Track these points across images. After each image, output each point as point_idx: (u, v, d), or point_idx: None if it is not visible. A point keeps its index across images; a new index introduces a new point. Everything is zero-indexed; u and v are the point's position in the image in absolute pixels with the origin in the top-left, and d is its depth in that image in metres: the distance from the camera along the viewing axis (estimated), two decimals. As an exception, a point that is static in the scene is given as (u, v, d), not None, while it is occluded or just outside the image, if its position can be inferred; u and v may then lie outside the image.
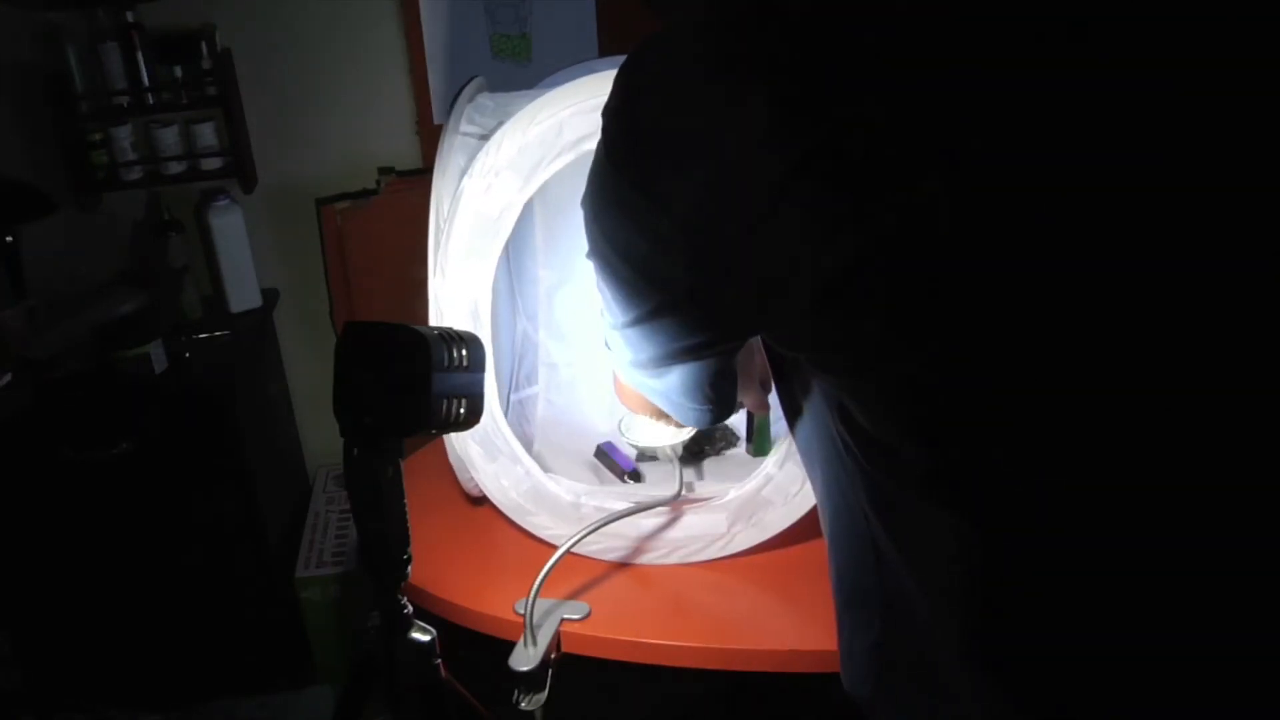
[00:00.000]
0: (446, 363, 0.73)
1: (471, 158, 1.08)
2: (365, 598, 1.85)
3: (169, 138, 1.98)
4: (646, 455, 1.31)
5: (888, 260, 0.48)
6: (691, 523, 1.17)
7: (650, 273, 0.59)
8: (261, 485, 1.89)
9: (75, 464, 1.72)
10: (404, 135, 2.14)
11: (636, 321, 0.64)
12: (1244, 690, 0.55)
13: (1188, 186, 0.48)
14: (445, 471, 1.28)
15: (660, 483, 1.27)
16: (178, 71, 1.96)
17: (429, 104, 2.11)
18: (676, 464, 1.20)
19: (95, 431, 1.73)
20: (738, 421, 1.34)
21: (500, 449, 1.14)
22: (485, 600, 1.11)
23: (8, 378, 1.70)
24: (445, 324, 1.10)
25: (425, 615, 0.82)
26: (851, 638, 0.70)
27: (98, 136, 1.94)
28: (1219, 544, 0.53)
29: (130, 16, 1.90)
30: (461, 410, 0.76)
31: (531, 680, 0.98)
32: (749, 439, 1.32)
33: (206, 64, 1.96)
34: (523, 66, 2.11)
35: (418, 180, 2.16)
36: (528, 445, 1.19)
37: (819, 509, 0.74)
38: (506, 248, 1.11)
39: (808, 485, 1.07)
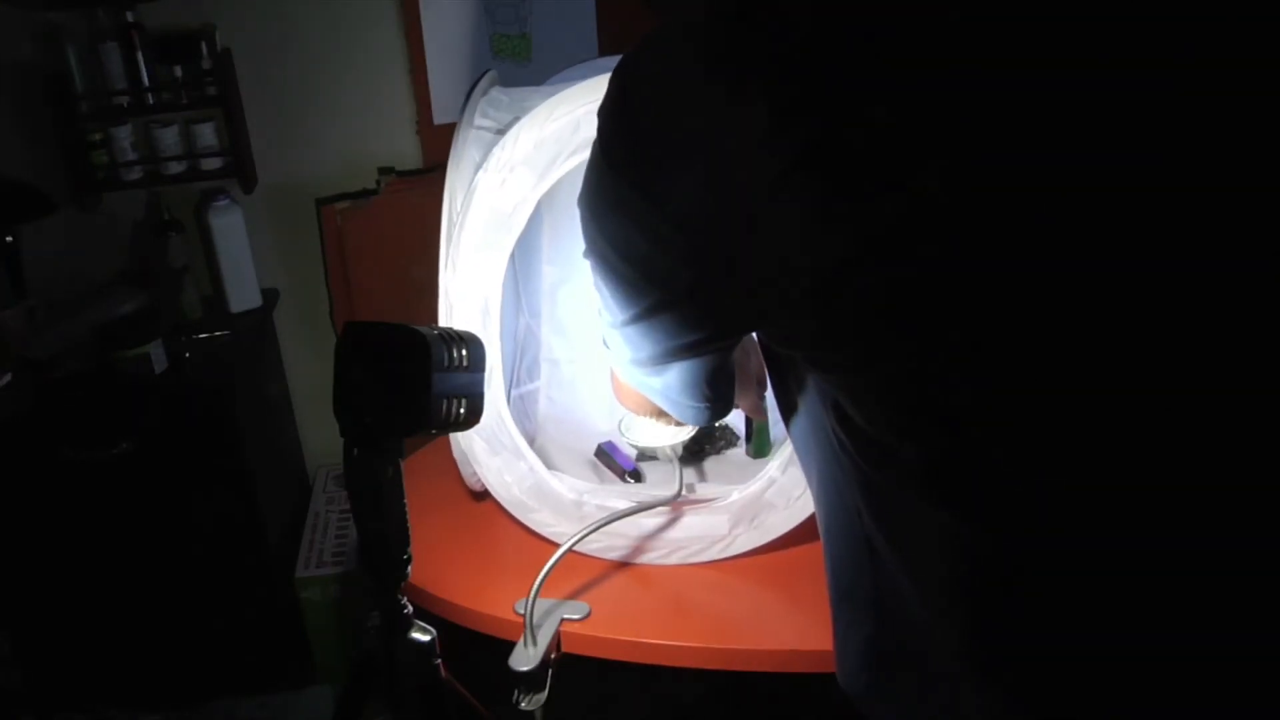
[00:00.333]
0: (446, 363, 0.73)
1: (486, 152, 1.08)
2: (365, 598, 1.85)
3: (169, 138, 1.98)
4: (647, 455, 1.31)
5: (886, 258, 0.48)
6: (693, 523, 1.17)
7: (648, 270, 0.59)
8: (261, 485, 1.89)
9: (75, 464, 1.72)
10: (404, 135, 2.14)
11: (635, 319, 0.64)
12: (1243, 690, 0.55)
13: (1188, 186, 0.48)
14: (446, 470, 1.28)
15: (660, 483, 1.27)
16: (178, 71, 1.95)
17: (429, 104, 2.11)
18: (676, 464, 1.20)
19: (95, 431, 1.73)
20: (737, 422, 1.34)
21: (504, 444, 1.14)
22: (485, 600, 1.11)
23: (8, 378, 1.70)
24: (456, 318, 1.10)
25: (425, 615, 0.82)
26: (846, 632, 0.70)
27: (98, 136, 1.94)
28: (1219, 544, 0.53)
29: (130, 16, 1.90)
30: (461, 410, 0.76)
31: (531, 680, 0.98)
32: (749, 440, 1.32)
33: (206, 64, 1.96)
34: (523, 66, 2.11)
35: (418, 180, 2.16)
36: (529, 441, 1.19)
37: (815, 505, 0.74)
38: (511, 243, 1.11)
39: (810, 489, 1.07)
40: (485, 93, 1.19)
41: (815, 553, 0.71)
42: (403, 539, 0.77)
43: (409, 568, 0.77)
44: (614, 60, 0.57)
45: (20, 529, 1.75)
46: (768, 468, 1.12)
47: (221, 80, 1.96)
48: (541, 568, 1.04)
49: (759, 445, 1.31)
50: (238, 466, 1.82)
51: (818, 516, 0.74)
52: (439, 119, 2.11)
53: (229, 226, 2.01)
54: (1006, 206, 0.48)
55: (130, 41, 1.90)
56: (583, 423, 1.40)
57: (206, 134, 2.00)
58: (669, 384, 0.76)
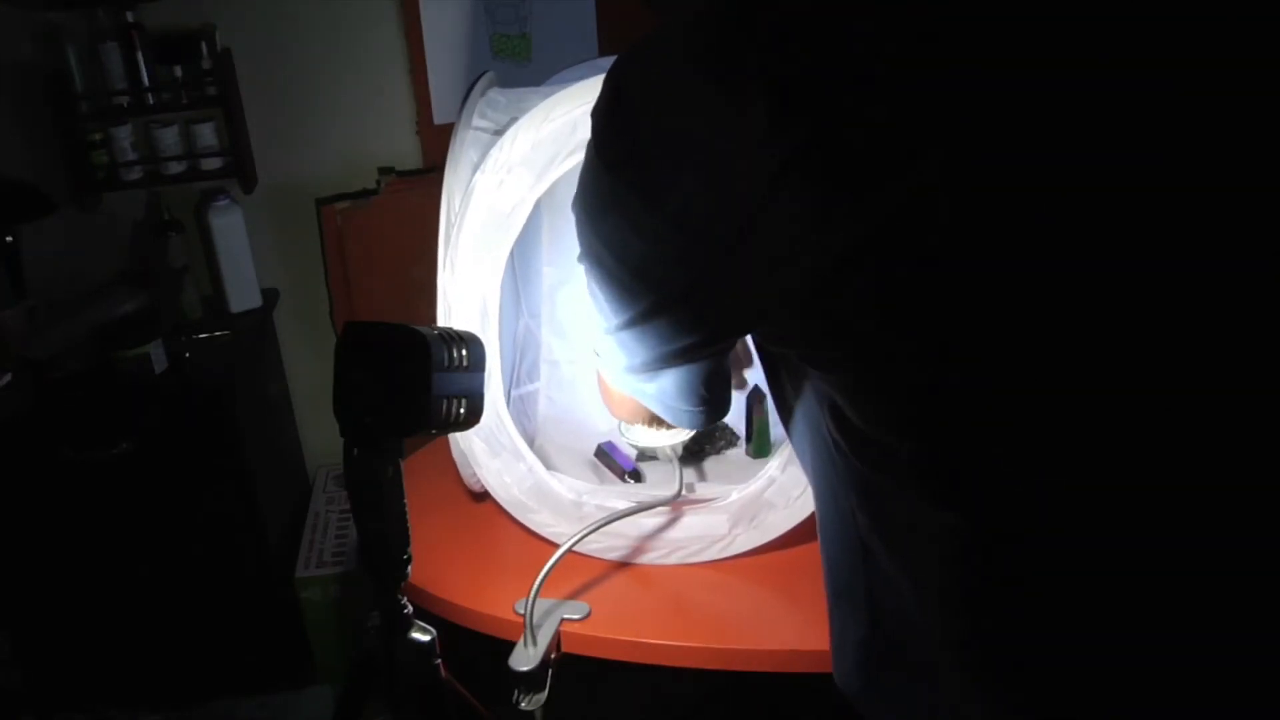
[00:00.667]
0: (446, 363, 0.73)
1: (484, 153, 1.08)
2: (365, 598, 1.85)
3: (169, 138, 1.98)
4: (646, 455, 1.31)
5: (886, 257, 0.48)
6: (693, 523, 1.17)
7: (645, 272, 0.59)
8: (261, 485, 1.89)
9: (75, 464, 1.72)
10: (404, 135, 2.14)
11: (630, 324, 0.64)
12: (1243, 690, 0.54)
13: (1188, 186, 0.48)
14: (446, 470, 1.28)
15: (660, 483, 1.27)
16: (178, 71, 1.96)
17: (429, 104, 2.11)
18: (676, 464, 1.20)
19: (95, 431, 1.73)
20: (737, 422, 1.34)
21: (504, 445, 1.14)
22: (485, 600, 1.11)
23: (8, 378, 1.71)
24: (454, 319, 1.10)
25: (425, 615, 0.82)
26: (842, 632, 0.70)
27: (98, 136, 1.94)
28: (1219, 544, 0.53)
29: (130, 16, 1.90)
30: (461, 410, 0.76)
31: (531, 680, 0.98)
32: (749, 440, 1.32)
33: (206, 64, 1.96)
34: (523, 66, 2.11)
35: (418, 180, 2.16)
36: (529, 442, 1.19)
37: (814, 504, 0.74)
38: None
39: (810, 488, 1.07)
40: (483, 93, 1.19)
41: (815, 552, 0.71)
42: (403, 539, 0.76)
43: (409, 568, 0.77)
44: (613, 60, 0.57)
45: (20, 529, 1.75)
46: (768, 468, 1.12)
47: (221, 80, 1.96)
48: (541, 568, 1.04)
49: (759, 445, 1.31)
50: (238, 466, 1.83)
51: (816, 516, 0.74)
52: (439, 119, 2.11)
53: (229, 226, 2.01)
54: (1006, 206, 0.48)
55: (130, 41, 1.90)
56: (582, 423, 1.40)
57: (206, 134, 2.00)
58: (664, 389, 0.75)
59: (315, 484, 2.23)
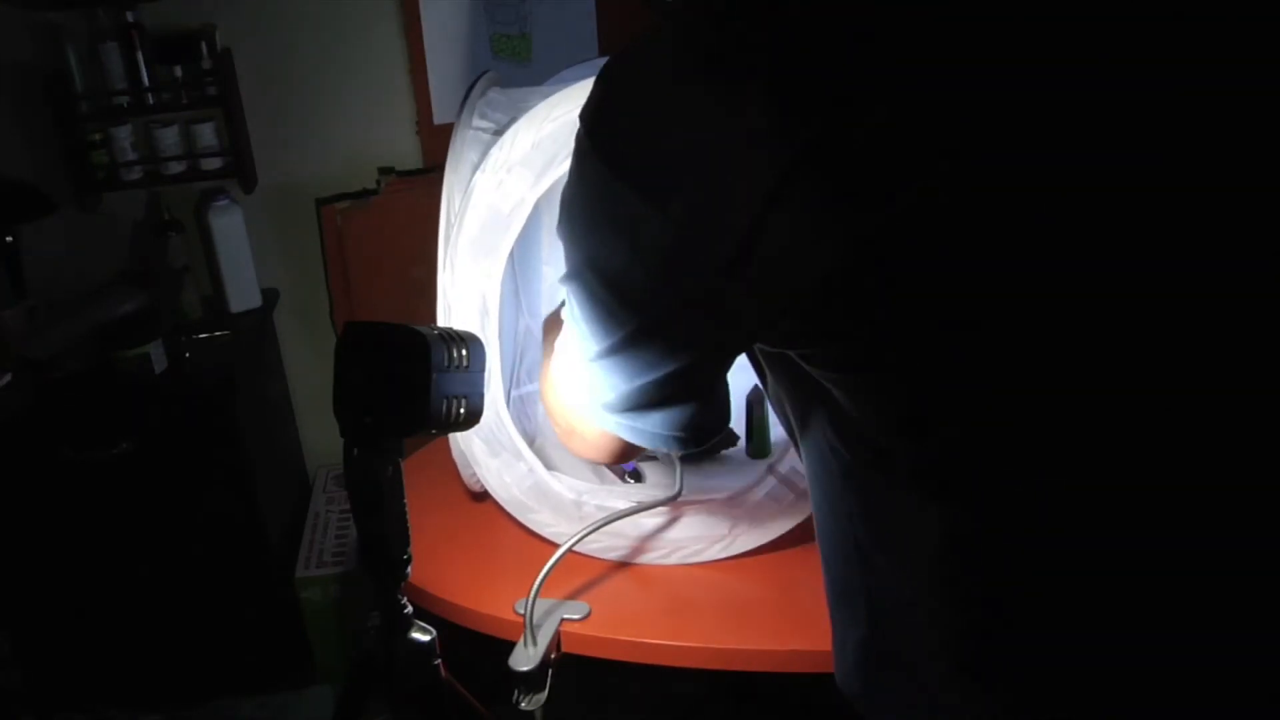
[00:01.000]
0: (447, 363, 0.73)
1: (484, 153, 1.08)
2: (365, 598, 1.85)
3: (169, 138, 1.98)
4: (646, 455, 1.31)
5: (887, 258, 0.48)
6: (692, 523, 1.17)
7: (635, 288, 0.56)
8: (261, 485, 1.89)
9: (75, 464, 1.72)
10: (404, 135, 2.14)
11: (617, 347, 0.60)
12: (1243, 690, 0.55)
13: (1188, 186, 0.48)
14: (446, 470, 1.28)
15: (660, 483, 1.27)
16: (178, 71, 1.96)
17: (429, 104, 2.11)
18: (677, 464, 1.20)
19: (95, 431, 1.73)
20: (737, 422, 1.34)
21: (503, 445, 1.14)
22: (485, 600, 1.11)
23: (8, 378, 1.70)
24: (453, 320, 1.10)
25: (425, 615, 0.81)
26: (842, 634, 0.70)
27: (98, 136, 1.94)
28: (1219, 544, 0.53)
29: (130, 16, 1.90)
30: (461, 411, 0.76)
31: (531, 680, 0.98)
32: (749, 440, 1.32)
33: (206, 64, 1.96)
34: (523, 66, 2.11)
35: (418, 180, 2.16)
36: (529, 442, 1.19)
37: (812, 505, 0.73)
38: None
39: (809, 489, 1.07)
40: (483, 93, 1.19)
41: (815, 553, 0.71)
42: (403, 539, 0.76)
43: (409, 568, 0.77)
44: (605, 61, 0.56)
45: (20, 529, 1.75)
46: (767, 468, 1.12)
47: (221, 80, 1.96)
48: (541, 568, 1.04)
49: (759, 445, 1.31)
50: (238, 467, 1.83)
51: (814, 518, 0.73)
52: (439, 119, 2.11)
53: (229, 226, 2.01)
54: (1007, 206, 0.48)
55: (130, 41, 1.90)
56: (583, 423, 1.40)
57: (206, 134, 2.00)
58: (656, 420, 0.68)
59: (315, 484, 2.23)
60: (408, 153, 2.16)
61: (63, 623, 1.84)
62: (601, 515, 1.13)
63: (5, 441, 1.67)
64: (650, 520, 1.17)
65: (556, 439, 1.37)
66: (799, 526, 1.14)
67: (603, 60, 0.57)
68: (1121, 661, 0.55)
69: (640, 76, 0.54)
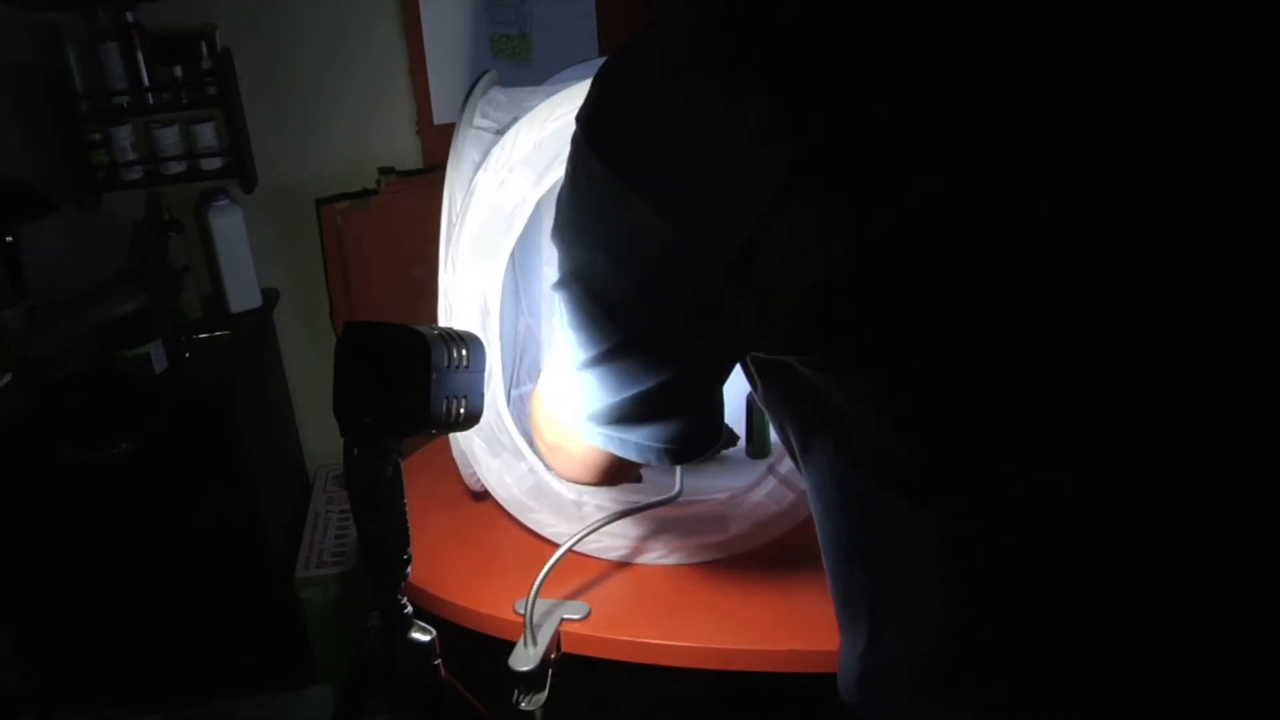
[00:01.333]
0: (446, 363, 0.73)
1: (485, 152, 1.08)
2: (365, 598, 1.85)
3: (169, 138, 1.98)
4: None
5: (888, 259, 0.48)
6: (692, 523, 1.17)
7: (633, 292, 0.55)
8: (261, 485, 1.89)
9: (75, 464, 1.72)
10: (404, 135, 2.14)
11: (607, 356, 0.59)
12: (1243, 690, 0.55)
13: (1188, 186, 0.48)
14: (446, 470, 1.28)
15: (660, 483, 1.27)
16: (178, 71, 1.96)
17: (429, 104, 2.11)
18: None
19: (95, 431, 1.73)
20: (738, 422, 1.34)
21: (504, 444, 1.14)
22: (485, 600, 1.11)
23: (8, 378, 1.70)
24: (454, 319, 1.10)
25: (425, 615, 0.81)
26: (844, 642, 0.70)
27: (98, 136, 1.94)
28: (1219, 544, 0.53)
29: (130, 16, 1.90)
30: (461, 411, 0.76)
31: (531, 680, 0.98)
32: (749, 440, 1.32)
33: (206, 64, 1.96)
34: (523, 66, 2.11)
35: (418, 180, 2.16)
36: (529, 441, 1.19)
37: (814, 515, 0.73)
38: (511, 244, 1.11)
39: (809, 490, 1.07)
40: (485, 93, 1.19)
41: (815, 553, 0.70)
42: (403, 539, 0.76)
43: (409, 568, 0.77)
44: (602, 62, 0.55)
45: (20, 529, 1.75)
46: (767, 468, 1.12)
47: (221, 80, 1.96)
48: (541, 568, 1.04)
49: (759, 445, 1.31)
50: (238, 466, 1.83)
51: (816, 527, 0.73)
52: (439, 119, 2.11)
53: (229, 226, 2.01)
54: (1007, 206, 0.48)
55: (130, 41, 1.90)
56: (583, 423, 1.40)
57: (206, 134, 2.00)
58: (648, 432, 0.66)
59: (315, 484, 2.23)
60: (408, 153, 2.16)
61: (63, 623, 1.84)
62: (601, 515, 1.13)
63: (5, 441, 1.67)
64: (650, 520, 1.17)
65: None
66: (799, 526, 1.13)
67: (602, 60, 0.56)
68: (1121, 661, 0.55)
69: (638, 78, 0.53)
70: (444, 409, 0.73)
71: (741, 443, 1.35)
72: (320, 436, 2.32)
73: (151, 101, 1.95)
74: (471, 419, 0.78)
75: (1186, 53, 0.48)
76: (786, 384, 0.61)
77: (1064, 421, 0.51)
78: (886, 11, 0.47)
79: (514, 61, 2.11)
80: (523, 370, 1.45)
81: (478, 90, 1.18)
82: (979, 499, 0.54)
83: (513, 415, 1.15)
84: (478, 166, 1.08)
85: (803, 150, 0.47)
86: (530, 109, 1.05)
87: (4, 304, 1.74)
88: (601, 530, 1.11)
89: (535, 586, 1.03)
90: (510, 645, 1.01)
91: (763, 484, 1.13)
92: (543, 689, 0.99)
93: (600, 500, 1.16)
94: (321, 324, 2.24)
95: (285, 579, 1.91)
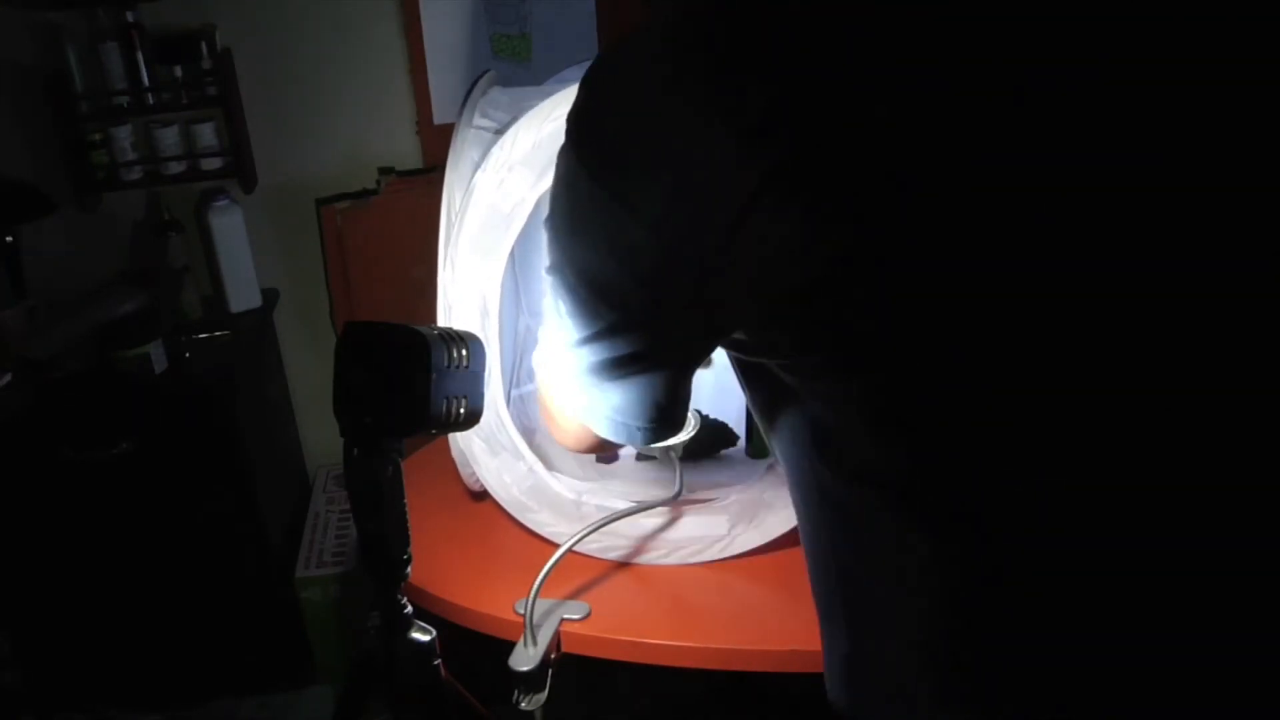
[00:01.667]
0: (446, 363, 0.73)
1: (484, 152, 1.08)
2: (365, 598, 1.85)
3: (169, 138, 1.98)
4: (646, 455, 1.31)
5: (886, 259, 0.48)
6: (692, 523, 1.17)
7: (611, 288, 0.56)
8: (261, 485, 1.89)
9: (75, 464, 1.72)
10: (404, 135, 2.14)
11: (594, 338, 0.61)
12: (1243, 690, 0.54)
13: (1188, 186, 0.48)
14: (446, 470, 1.28)
15: (660, 483, 1.27)
16: (178, 71, 1.96)
17: (429, 104, 2.11)
18: (676, 464, 1.20)
19: (95, 431, 1.73)
20: (738, 422, 1.34)
21: (503, 444, 1.14)
22: (485, 600, 1.11)
23: (8, 378, 1.71)
24: (454, 319, 1.10)
25: (425, 615, 0.81)
26: (828, 647, 0.70)
27: (98, 136, 1.95)
28: (1219, 544, 0.53)
29: (130, 16, 1.90)
30: (461, 410, 0.76)
31: (531, 680, 0.98)
32: (749, 440, 1.32)
33: (206, 64, 1.96)
34: (523, 66, 2.11)
35: (418, 180, 2.16)
36: (528, 441, 1.19)
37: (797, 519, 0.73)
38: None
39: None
40: (484, 92, 1.19)
41: (815, 553, 0.70)
42: (403, 539, 0.76)
43: (409, 568, 0.77)
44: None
45: (20, 529, 1.75)
46: (767, 468, 1.12)
47: (221, 80, 1.96)
48: (541, 568, 1.04)
49: (759, 445, 1.31)
50: (238, 466, 1.83)
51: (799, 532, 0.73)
52: (439, 119, 2.11)
53: (229, 226, 2.01)
54: (1007, 206, 0.48)
55: (130, 41, 1.90)
56: (583, 423, 1.40)
57: (206, 134, 2.00)
58: (617, 405, 0.68)
59: (315, 484, 2.23)
60: (408, 153, 2.16)
61: (63, 623, 1.84)
62: (601, 515, 1.13)
63: (5, 441, 1.67)
64: (650, 520, 1.17)
65: (554, 439, 1.38)
66: (798, 527, 1.13)
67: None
68: (1121, 662, 0.55)
69: (626, 80, 0.53)
70: (444, 409, 0.73)
71: (741, 443, 1.35)
72: (320, 436, 2.32)
73: (151, 101, 1.95)
74: (471, 419, 0.78)
75: (1186, 53, 0.48)
76: (770, 390, 0.62)
77: (1064, 422, 0.51)
78: (886, 11, 0.47)
79: (514, 61, 2.11)
80: (523, 370, 1.45)
81: (477, 90, 1.18)
82: (978, 499, 0.54)
83: (513, 415, 1.16)
84: (477, 166, 1.08)
85: (791, 151, 0.47)
86: (530, 109, 1.05)
87: (4, 304, 1.74)
88: (601, 530, 1.11)
89: (535, 586, 1.03)
90: (510, 645, 1.01)
91: (763, 484, 1.13)
92: (543, 689, 0.99)
93: (600, 500, 1.16)
94: (321, 324, 2.24)
95: (285, 579, 1.91)
